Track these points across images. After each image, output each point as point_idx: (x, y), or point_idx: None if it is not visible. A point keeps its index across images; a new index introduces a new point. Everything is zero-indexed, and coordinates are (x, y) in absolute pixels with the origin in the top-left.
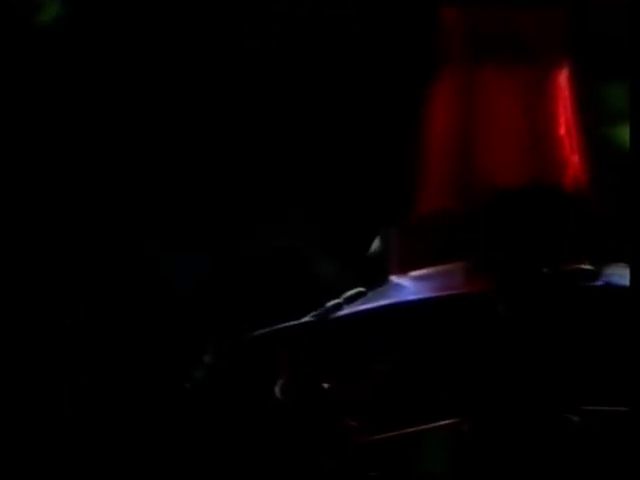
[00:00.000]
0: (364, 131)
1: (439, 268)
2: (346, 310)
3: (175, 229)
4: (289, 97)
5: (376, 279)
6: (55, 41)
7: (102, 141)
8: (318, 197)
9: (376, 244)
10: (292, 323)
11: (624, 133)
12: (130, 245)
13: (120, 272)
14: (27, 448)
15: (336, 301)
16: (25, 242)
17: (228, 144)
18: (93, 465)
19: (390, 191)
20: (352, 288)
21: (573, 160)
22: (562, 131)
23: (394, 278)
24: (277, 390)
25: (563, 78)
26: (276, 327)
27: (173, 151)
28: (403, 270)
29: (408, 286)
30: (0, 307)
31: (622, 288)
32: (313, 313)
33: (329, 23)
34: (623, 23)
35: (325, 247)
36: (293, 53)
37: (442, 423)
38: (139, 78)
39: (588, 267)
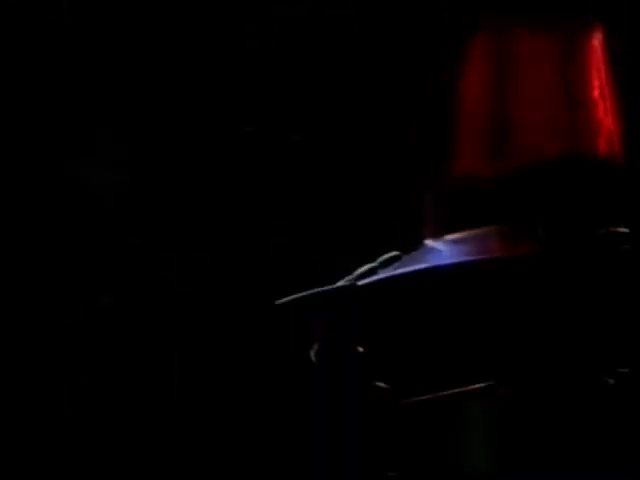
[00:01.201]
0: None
1: (474, 232)
2: (381, 274)
3: None
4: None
5: (411, 242)
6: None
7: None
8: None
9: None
10: (327, 288)
11: None
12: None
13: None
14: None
15: (371, 265)
16: None
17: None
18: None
19: (426, 156)
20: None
21: (607, 123)
22: (595, 94)
23: (429, 242)
24: (312, 354)
25: (596, 42)
26: (311, 292)
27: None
28: (438, 234)
29: (443, 250)
30: None
31: None
32: (348, 277)
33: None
34: None
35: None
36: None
37: (477, 387)
38: (138, 72)
39: (625, 230)
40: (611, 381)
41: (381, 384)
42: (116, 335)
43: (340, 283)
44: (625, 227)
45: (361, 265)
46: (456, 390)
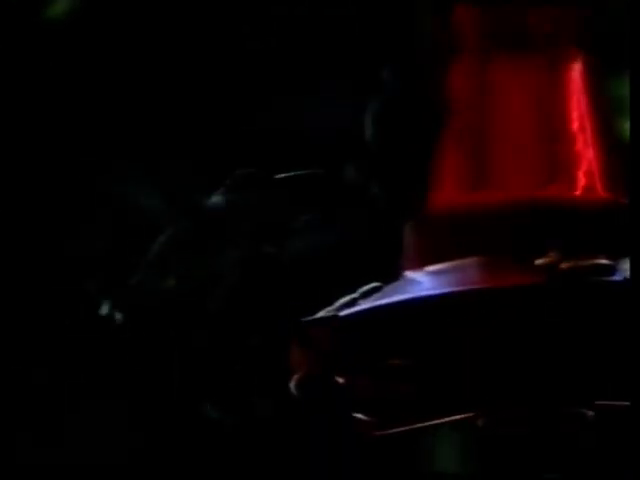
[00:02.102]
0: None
1: (454, 263)
2: (362, 305)
3: None
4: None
5: (391, 274)
6: (63, 36)
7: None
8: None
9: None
10: (309, 318)
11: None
12: None
13: None
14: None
15: (352, 296)
16: None
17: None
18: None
19: (406, 186)
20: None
21: (587, 155)
22: (575, 126)
23: (409, 273)
24: (292, 386)
25: (576, 73)
26: (292, 322)
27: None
28: (418, 265)
29: (423, 281)
30: None
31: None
32: (328, 308)
33: (329, 24)
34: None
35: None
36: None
37: (456, 417)
38: (141, 73)
39: (605, 262)
40: (590, 413)
41: (361, 416)
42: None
43: (321, 314)
44: (605, 258)
45: (342, 296)
46: (437, 421)
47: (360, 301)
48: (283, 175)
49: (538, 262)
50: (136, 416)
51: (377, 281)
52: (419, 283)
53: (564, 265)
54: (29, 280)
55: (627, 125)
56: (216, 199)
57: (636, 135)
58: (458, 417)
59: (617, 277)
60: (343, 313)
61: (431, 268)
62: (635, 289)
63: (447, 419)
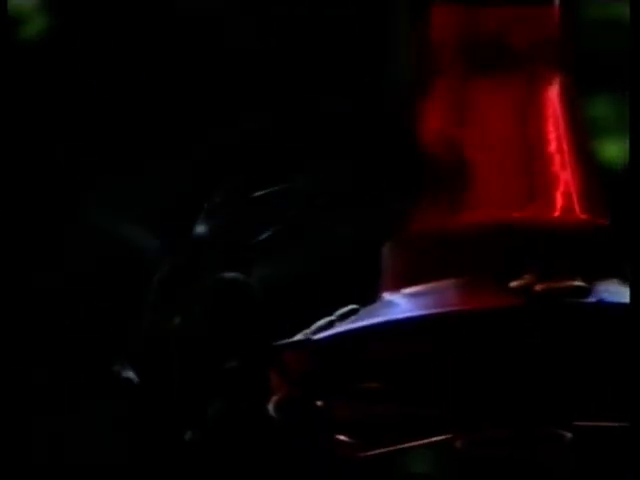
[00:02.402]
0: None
1: (431, 286)
2: (338, 328)
3: None
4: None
5: (368, 296)
6: (39, 54)
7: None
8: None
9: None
10: (285, 341)
11: (609, 148)
12: None
13: None
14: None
15: (329, 319)
16: None
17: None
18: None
19: (383, 207)
20: (345, 306)
21: (564, 177)
22: (553, 148)
23: (386, 295)
24: (271, 408)
25: (553, 95)
26: (270, 345)
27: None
28: (396, 287)
29: (401, 303)
30: None
31: (613, 305)
32: (305, 331)
33: (329, 24)
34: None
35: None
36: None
37: (435, 440)
38: (127, 86)
39: (580, 284)
40: (568, 435)
41: (340, 437)
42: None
43: (296, 337)
44: (581, 280)
45: (318, 319)
46: (416, 443)
47: (337, 323)
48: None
49: (513, 284)
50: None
51: (354, 303)
52: (396, 305)
53: (538, 287)
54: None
55: (602, 146)
56: (200, 228)
57: (636, 145)
58: (437, 439)
59: (591, 299)
60: (318, 336)
61: (408, 290)
62: (634, 311)
63: (426, 441)
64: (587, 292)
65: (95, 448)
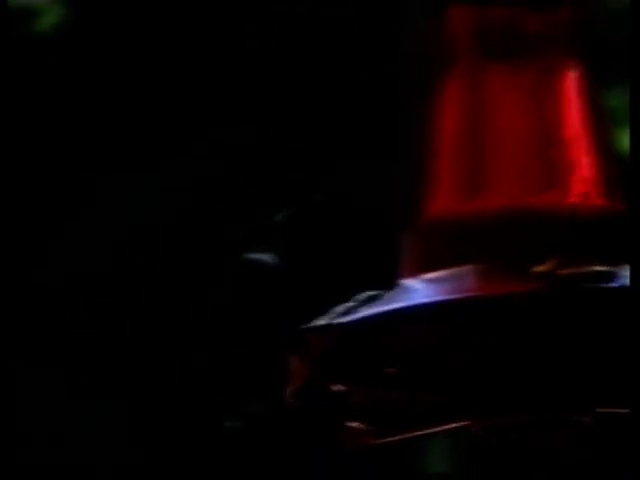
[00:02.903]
0: (373, 135)
1: (450, 271)
2: (357, 313)
3: None
4: (293, 97)
5: (388, 282)
6: (54, 48)
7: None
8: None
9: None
10: (304, 327)
11: (624, 138)
12: None
13: None
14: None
15: (348, 304)
16: None
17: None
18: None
19: (401, 194)
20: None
21: (583, 162)
22: (571, 134)
23: (406, 281)
24: (288, 394)
25: (571, 80)
26: (289, 331)
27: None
28: (415, 273)
29: (420, 289)
30: None
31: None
32: (324, 316)
33: (329, 23)
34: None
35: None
36: (294, 53)
37: (452, 426)
38: (139, 79)
39: (603, 269)
40: (589, 420)
41: (358, 424)
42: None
43: (317, 322)
44: (603, 265)
45: (339, 304)
46: (434, 429)
47: (357, 309)
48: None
49: (536, 269)
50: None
51: (374, 289)
52: (416, 291)
53: (562, 272)
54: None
55: (619, 135)
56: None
57: (636, 140)
58: (455, 425)
59: (615, 283)
60: (339, 321)
61: (428, 276)
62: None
63: (444, 427)
64: (609, 277)
65: (95, 448)
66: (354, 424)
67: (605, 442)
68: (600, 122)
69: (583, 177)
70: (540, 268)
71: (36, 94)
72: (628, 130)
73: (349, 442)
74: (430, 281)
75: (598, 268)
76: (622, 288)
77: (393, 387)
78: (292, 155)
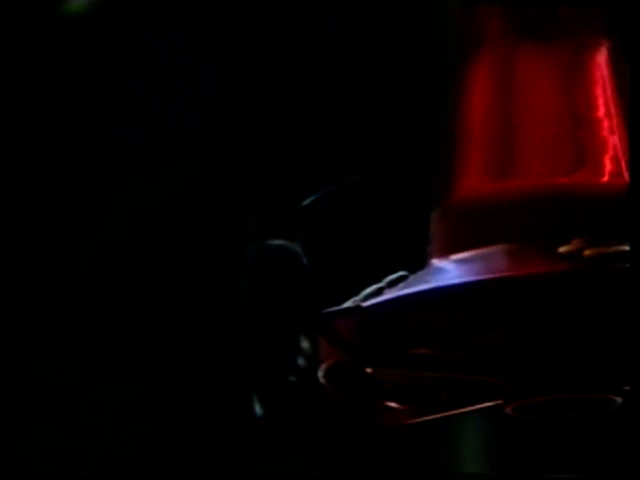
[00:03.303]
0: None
1: (480, 251)
2: (387, 295)
3: None
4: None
5: (417, 263)
6: (83, 32)
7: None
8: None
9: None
10: (335, 308)
11: None
12: None
13: None
14: None
15: (378, 285)
16: None
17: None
18: None
19: (432, 175)
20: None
21: (612, 141)
22: (601, 113)
23: (435, 261)
24: (320, 374)
25: (601, 60)
26: (320, 312)
27: None
28: (444, 253)
29: (449, 269)
30: None
31: None
32: (354, 298)
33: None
34: None
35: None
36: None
37: (483, 405)
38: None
39: (628, 249)
40: (619, 400)
41: (392, 404)
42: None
43: (347, 304)
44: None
45: (368, 286)
46: (465, 409)
47: (386, 290)
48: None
49: (562, 250)
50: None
51: (404, 269)
52: (445, 271)
53: (588, 252)
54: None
55: None
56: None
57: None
58: (487, 404)
59: None
60: (367, 303)
61: (457, 256)
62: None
63: (475, 407)
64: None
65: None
66: (390, 403)
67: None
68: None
69: (614, 155)
70: (569, 248)
71: (64, 76)
72: None
73: (384, 420)
74: (460, 262)
75: (624, 248)
76: None
77: (423, 368)
78: (329, 135)
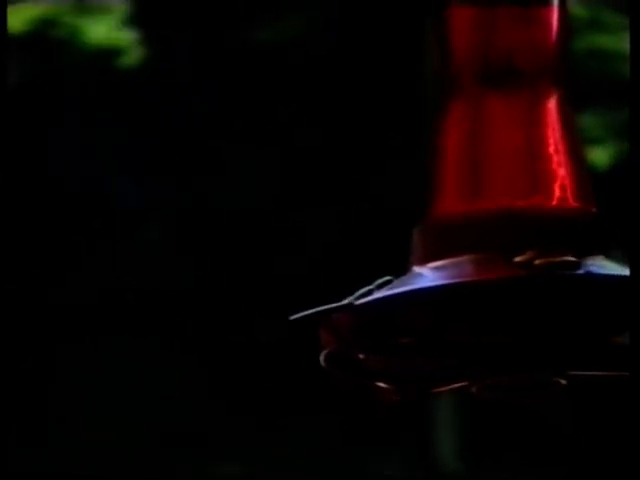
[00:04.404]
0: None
1: (452, 260)
2: (377, 294)
3: None
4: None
5: (401, 269)
6: (136, 83)
7: None
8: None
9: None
10: (333, 305)
11: (596, 156)
12: None
13: None
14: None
15: (368, 287)
16: None
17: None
18: None
19: (414, 196)
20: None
21: (560, 173)
22: (551, 149)
23: (416, 268)
24: (322, 360)
25: (553, 105)
26: (320, 309)
27: None
28: (423, 262)
29: (427, 275)
30: None
31: (599, 276)
32: (349, 297)
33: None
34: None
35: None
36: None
37: (455, 386)
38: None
39: (571, 259)
40: (563, 382)
41: (380, 384)
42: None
43: (343, 302)
44: (573, 256)
45: (359, 288)
46: (439, 389)
47: (375, 291)
48: None
49: (517, 259)
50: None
51: (389, 275)
52: (424, 276)
53: (538, 261)
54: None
55: (591, 150)
56: None
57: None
58: (456, 385)
59: (581, 271)
60: (361, 301)
61: (434, 264)
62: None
63: (449, 387)
64: (578, 265)
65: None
66: (378, 384)
67: (579, 401)
68: (575, 140)
69: (562, 184)
70: (523, 258)
71: (113, 126)
72: (598, 147)
73: (376, 398)
74: (436, 268)
75: (569, 258)
76: (587, 274)
77: (406, 354)
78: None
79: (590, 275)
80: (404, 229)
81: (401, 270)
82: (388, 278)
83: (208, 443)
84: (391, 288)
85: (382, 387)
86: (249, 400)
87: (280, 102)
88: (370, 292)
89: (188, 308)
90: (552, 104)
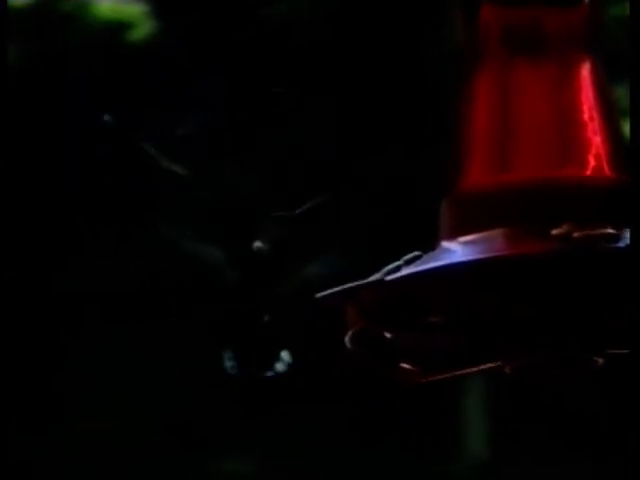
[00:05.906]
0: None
1: (483, 234)
2: (404, 271)
3: None
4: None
5: (430, 244)
6: (146, 57)
7: None
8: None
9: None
10: (361, 282)
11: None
12: None
13: None
14: None
15: (396, 263)
16: None
17: None
18: None
19: (442, 170)
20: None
21: (595, 141)
22: (585, 116)
23: (445, 243)
24: (347, 340)
25: (585, 71)
26: (347, 286)
27: None
28: (452, 237)
29: (457, 250)
30: None
31: None
32: (376, 274)
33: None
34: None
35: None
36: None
37: (486, 366)
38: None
39: (611, 231)
40: (600, 361)
41: (406, 365)
42: None
43: (371, 278)
44: (611, 228)
45: (388, 264)
46: (470, 370)
47: (404, 267)
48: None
49: (554, 232)
50: None
51: (418, 251)
52: (453, 252)
53: (576, 234)
54: None
55: (625, 120)
56: None
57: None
58: (488, 366)
59: (621, 244)
60: (389, 278)
61: (463, 239)
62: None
63: (479, 368)
64: (617, 238)
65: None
66: (404, 364)
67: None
68: (609, 108)
69: (596, 153)
70: (560, 231)
71: (124, 103)
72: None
73: (400, 380)
74: (466, 243)
75: (607, 231)
76: (626, 248)
77: (435, 333)
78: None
79: (629, 248)
80: (431, 203)
81: (429, 245)
82: (417, 253)
83: (211, 433)
84: (421, 264)
85: (406, 369)
86: (253, 389)
87: (290, 81)
88: (399, 268)
89: (187, 301)
90: (585, 70)
